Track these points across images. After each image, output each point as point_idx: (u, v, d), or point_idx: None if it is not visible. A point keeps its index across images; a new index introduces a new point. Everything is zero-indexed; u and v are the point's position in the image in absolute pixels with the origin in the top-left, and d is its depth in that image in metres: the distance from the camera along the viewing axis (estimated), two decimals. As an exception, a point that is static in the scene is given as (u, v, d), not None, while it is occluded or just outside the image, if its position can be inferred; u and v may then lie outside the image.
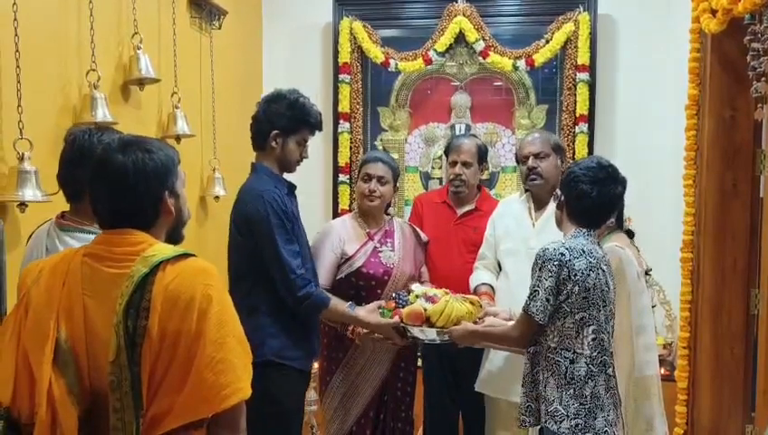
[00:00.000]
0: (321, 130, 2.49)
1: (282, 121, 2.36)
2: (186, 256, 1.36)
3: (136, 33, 2.53)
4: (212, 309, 1.31)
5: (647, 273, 2.49)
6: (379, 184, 2.65)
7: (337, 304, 2.41)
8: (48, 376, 1.28)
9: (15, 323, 1.35)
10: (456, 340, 2.35)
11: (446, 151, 3.01)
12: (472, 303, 2.40)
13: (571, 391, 1.95)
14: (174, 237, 1.47)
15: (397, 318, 2.41)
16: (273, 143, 2.36)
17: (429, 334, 2.37)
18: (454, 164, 2.91)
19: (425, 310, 2.36)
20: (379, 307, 2.48)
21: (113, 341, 1.28)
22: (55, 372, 1.29)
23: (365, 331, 2.50)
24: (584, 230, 2.06)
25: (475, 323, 2.35)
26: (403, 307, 2.42)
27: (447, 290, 2.47)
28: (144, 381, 1.27)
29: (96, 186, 1.39)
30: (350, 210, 3.95)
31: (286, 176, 2.43)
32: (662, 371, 3.47)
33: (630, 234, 2.38)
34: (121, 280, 1.31)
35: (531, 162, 2.63)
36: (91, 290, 1.33)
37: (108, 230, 1.39)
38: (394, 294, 2.53)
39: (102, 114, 2.24)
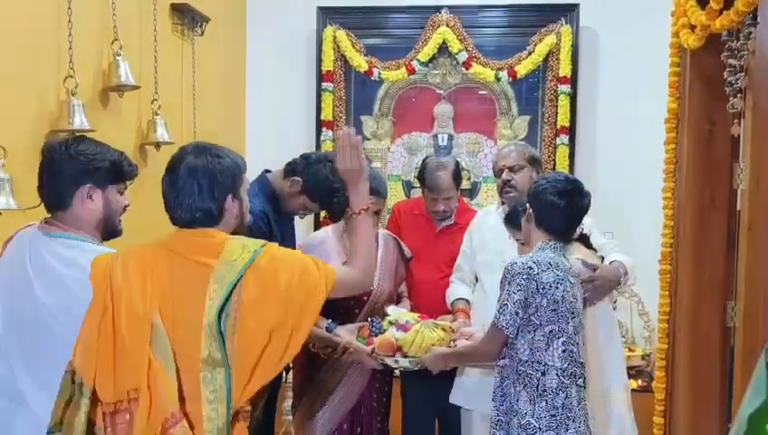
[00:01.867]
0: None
1: (314, 188, 2.34)
2: (259, 253, 1.55)
3: (116, 40, 2.50)
4: (302, 293, 1.56)
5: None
6: (375, 216, 2.55)
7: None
8: (147, 354, 1.45)
9: (96, 314, 1.48)
10: (427, 367, 2.35)
11: (421, 181, 2.92)
12: (444, 329, 2.39)
13: (543, 403, 1.96)
14: None
15: (370, 347, 2.39)
16: (290, 185, 2.34)
17: (402, 363, 2.36)
18: (434, 201, 2.85)
19: (396, 340, 2.35)
20: (358, 330, 2.47)
21: (204, 339, 1.47)
22: (153, 351, 1.46)
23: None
24: (551, 243, 2.09)
25: (449, 347, 2.35)
26: (376, 335, 2.41)
27: (419, 318, 2.45)
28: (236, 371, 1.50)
29: (167, 184, 1.59)
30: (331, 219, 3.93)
31: None
32: (640, 382, 3.52)
33: (585, 238, 2.38)
34: (200, 271, 1.50)
35: (505, 175, 2.64)
36: (178, 279, 1.52)
37: (182, 229, 1.58)
38: (369, 319, 2.50)
39: (80, 121, 2.21)
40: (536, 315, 1.98)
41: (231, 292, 1.50)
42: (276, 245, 1.63)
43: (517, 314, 1.98)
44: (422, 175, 2.91)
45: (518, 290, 1.98)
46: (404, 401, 2.94)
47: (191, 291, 1.52)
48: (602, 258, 2.42)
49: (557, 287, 1.98)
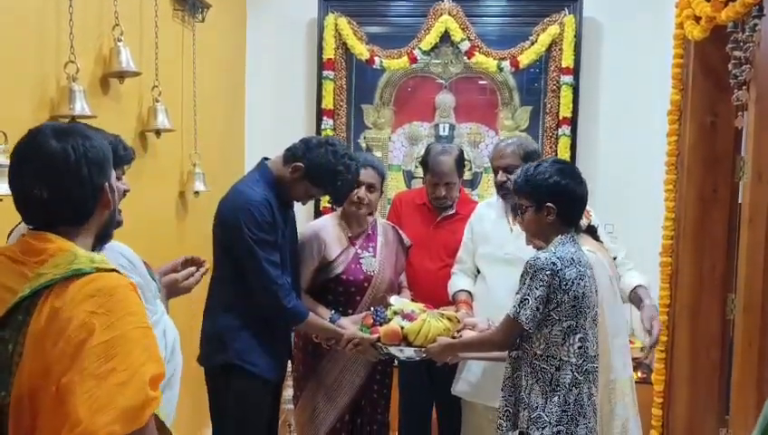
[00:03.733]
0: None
1: (316, 173, 2.31)
2: (80, 274, 1.16)
3: (117, 25, 2.48)
4: (92, 340, 1.10)
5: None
6: (369, 191, 2.58)
7: (315, 318, 2.41)
8: None
9: None
10: (432, 357, 2.36)
11: (424, 165, 2.93)
12: (449, 319, 2.39)
13: (556, 398, 1.95)
14: (105, 237, 1.38)
15: (375, 336, 2.40)
16: (292, 171, 2.33)
17: (407, 353, 2.36)
18: (435, 185, 2.85)
19: (402, 328, 2.35)
20: (361, 320, 2.48)
21: None
22: None
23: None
24: (569, 235, 2.06)
25: (453, 338, 2.35)
26: (381, 324, 2.41)
27: (424, 307, 2.45)
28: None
29: (25, 176, 1.23)
30: (331, 208, 3.93)
31: None
32: (639, 373, 3.53)
33: (593, 229, 2.37)
34: (18, 280, 1.18)
35: (500, 176, 2.61)
36: None
37: (29, 231, 1.26)
38: (372, 309, 2.50)
39: (81, 107, 2.19)
40: (556, 311, 1.96)
41: (13, 314, 1.15)
42: (129, 283, 1.21)
43: (538, 309, 1.95)
44: (425, 159, 2.92)
45: (540, 286, 1.94)
46: (402, 390, 2.95)
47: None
48: (614, 258, 2.42)
49: (578, 283, 1.96)
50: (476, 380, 2.59)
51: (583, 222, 2.26)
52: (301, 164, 2.30)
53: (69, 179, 1.23)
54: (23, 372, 1.12)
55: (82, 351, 1.09)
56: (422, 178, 4.10)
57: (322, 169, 2.30)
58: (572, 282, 1.95)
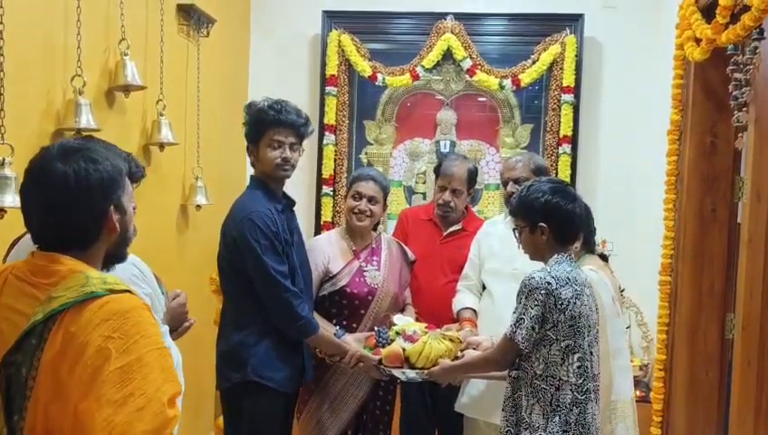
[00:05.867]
0: (286, 124, 2.34)
1: (247, 132, 2.39)
2: (93, 297, 1.15)
3: (123, 40, 2.51)
4: (109, 366, 1.09)
5: (621, 292, 2.51)
6: (370, 203, 2.60)
7: (324, 331, 2.40)
8: None
9: None
10: (435, 380, 2.36)
11: (436, 171, 2.96)
12: (451, 340, 2.38)
13: (557, 418, 1.94)
14: (117, 257, 1.36)
15: (377, 357, 2.40)
16: (252, 157, 2.39)
17: (409, 374, 2.36)
18: (443, 189, 2.87)
19: (404, 350, 2.35)
20: (365, 341, 2.48)
21: None
22: None
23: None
24: (566, 254, 2.06)
25: (457, 358, 2.34)
26: (383, 346, 2.41)
27: (426, 329, 2.44)
28: None
29: (31, 197, 1.23)
30: (332, 223, 3.95)
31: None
32: (638, 392, 3.52)
33: (604, 258, 2.39)
34: (28, 303, 1.17)
35: (510, 187, 2.64)
36: (5, 310, 1.20)
37: (38, 252, 1.24)
38: (375, 329, 2.50)
39: (86, 120, 2.21)
40: (553, 330, 1.94)
41: (27, 338, 1.14)
42: (142, 303, 1.21)
43: (533, 328, 1.94)
44: (438, 166, 2.97)
45: (536, 305, 1.93)
46: (403, 405, 2.94)
47: (8, 329, 1.17)
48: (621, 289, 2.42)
49: (575, 302, 1.95)
50: (479, 395, 2.58)
51: (598, 249, 2.27)
52: (247, 143, 2.39)
53: (68, 204, 1.21)
54: (37, 398, 1.11)
55: (99, 377, 1.08)
56: (422, 193, 4.15)
57: (248, 121, 2.39)
58: (568, 301, 1.94)
